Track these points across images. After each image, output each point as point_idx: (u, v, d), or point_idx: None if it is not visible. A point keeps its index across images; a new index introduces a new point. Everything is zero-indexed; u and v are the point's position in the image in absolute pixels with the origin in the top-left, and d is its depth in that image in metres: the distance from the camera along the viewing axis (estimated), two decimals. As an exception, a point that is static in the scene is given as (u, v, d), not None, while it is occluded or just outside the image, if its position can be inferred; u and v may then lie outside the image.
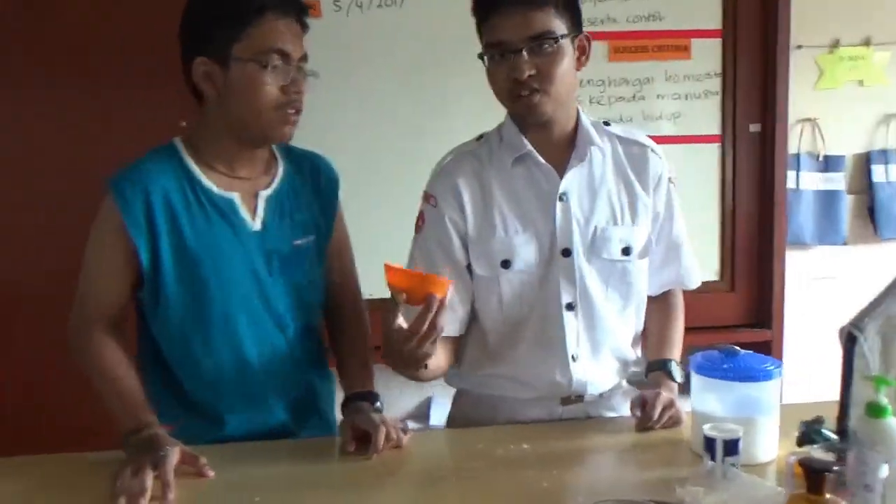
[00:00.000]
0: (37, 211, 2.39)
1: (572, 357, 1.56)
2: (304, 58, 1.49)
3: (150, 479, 1.27)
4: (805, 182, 2.79)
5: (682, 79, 2.60)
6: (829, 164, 2.79)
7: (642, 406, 1.52)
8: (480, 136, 1.61)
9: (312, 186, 1.62)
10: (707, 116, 2.63)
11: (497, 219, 1.53)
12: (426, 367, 1.41)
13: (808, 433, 1.27)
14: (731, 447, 1.27)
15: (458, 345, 1.61)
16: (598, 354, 1.59)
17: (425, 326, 1.28)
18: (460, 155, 1.59)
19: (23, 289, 2.41)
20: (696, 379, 1.42)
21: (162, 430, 1.41)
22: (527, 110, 1.48)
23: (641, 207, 1.58)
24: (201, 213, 1.49)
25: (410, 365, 1.39)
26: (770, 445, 1.37)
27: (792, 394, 2.66)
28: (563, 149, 1.55)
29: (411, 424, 2.46)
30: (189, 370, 1.53)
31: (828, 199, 2.80)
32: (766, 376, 1.37)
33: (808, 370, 2.72)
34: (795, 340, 2.73)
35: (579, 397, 1.60)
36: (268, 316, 1.54)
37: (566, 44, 1.46)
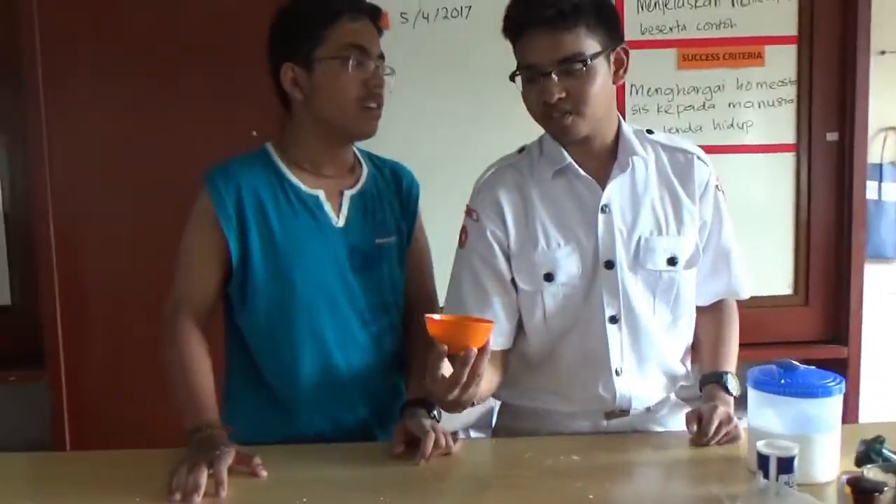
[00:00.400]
0: (122, 212, 2.49)
1: (616, 371, 1.54)
2: (382, 56, 1.56)
3: (204, 477, 1.31)
4: (888, 193, 2.68)
5: (754, 86, 2.53)
6: (914, 174, 2.67)
7: (698, 421, 1.48)
8: (522, 149, 1.60)
9: (395, 191, 1.69)
10: (781, 125, 2.56)
11: (539, 232, 1.53)
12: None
13: (867, 452, 1.22)
14: (786, 465, 1.23)
15: (506, 359, 1.60)
16: (644, 368, 1.56)
17: (464, 378, 1.31)
18: (501, 168, 1.58)
19: (107, 287, 2.52)
20: (752, 394, 1.38)
21: (221, 431, 1.45)
22: (560, 132, 1.48)
23: (687, 216, 1.55)
24: (289, 208, 1.56)
25: (456, 409, 1.41)
26: (829, 464, 1.32)
27: (870, 412, 2.58)
28: (605, 160, 1.53)
29: (474, 434, 2.47)
30: (272, 364, 1.59)
31: (913, 211, 2.68)
32: (826, 393, 1.32)
33: (888, 389, 2.62)
34: (875, 358, 2.62)
35: (624, 411, 1.57)
36: (351, 311, 1.59)
37: (599, 62, 1.44)
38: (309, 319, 1.56)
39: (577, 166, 1.52)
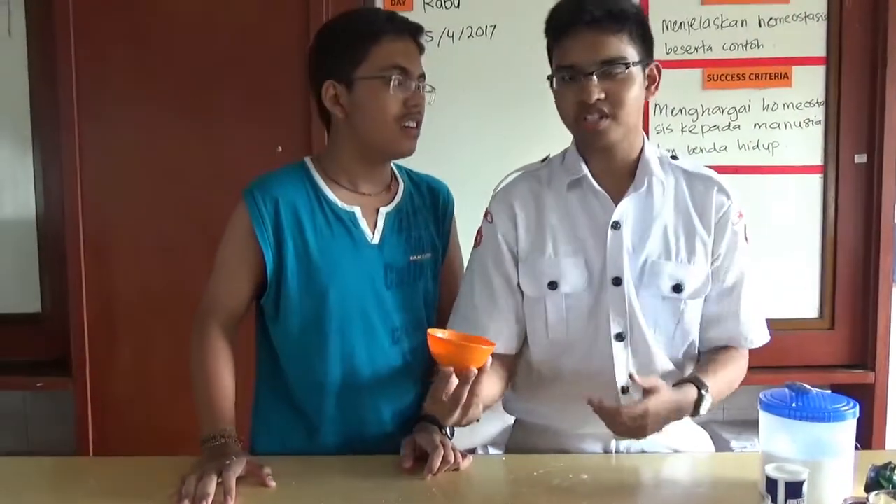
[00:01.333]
0: (151, 224, 2.54)
1: (622, 389, 1.53)
2: (423, 76, 1.59)
3: (213, 485, 1.33)
4: (919, 217, 2.63)
5: (781, 107, 2.50)
6: (945, 198, 2.62)
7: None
8: (546, 158, 1.62)
9: (431, 207, 1.71)
10: (808, 146, 2.52)
11: (548, 240, 1.54)
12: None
13: (877, 478, 1.20)
14: (795, 490, 1.21)
15: (514, 365, 1.60)
16: None
17: (464, 397, 1.31)
18: (522, 175, 1.61)
19: (133, 298, 2.56)
20: (764, 417, 1.36)
21: (234, 441, 1.47)
22: (593, 135, 1.47)
23: (700, 247, 1.52)
24: (325, 224, 1.58)
25: (462, 425, 1.40)
26: (840, 490, 1.29)
27: (897, 439, 2.52)
28: (624, 177, 1.53)
29: (492, 451, 2.46)
30: (301, 377, 1.60)
31: (944, 236, 2.63)
32: (838, 417, 1.30)
33: (916, 416, 2.57)
34: (903, 384, 2.56)
35: None
36: (383, 328, 1.60)
37: (637, 71, 1.46)
38: (340, 335, 1.57)
39: (592, 179, 1.53)
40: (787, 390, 1.35)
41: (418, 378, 1.66)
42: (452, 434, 1.59)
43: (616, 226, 1.51)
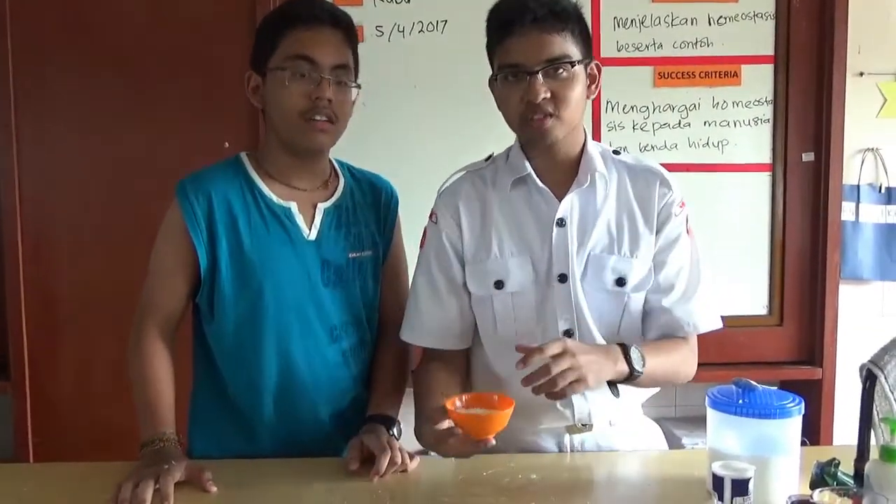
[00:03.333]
0: (91, 222, 2.48)
1: None
2: (343, 67, 1.52)
3: (149, 491, 1.29)
4: (866, 214, 2.68)
5: (730, 105, 2.53)
6: (892, 196, 2.68)
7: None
8: (490, 157, 1.61)
9: (373, 204, 1.66)
10: (757, 144, 2.55)
11: (494, 240, 1.53)
12: None
13: (821, 475, 1.20)
14: (741, 487, 1.20)
15: (465, 362, 1.60)
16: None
17: (472, 453, 1.33)
18: (466, 175, 1.60)
19: (74, 299, 2.50)
20: (711, 413, 1.35)
21: (174, 444, 1.43)
22: (538, 134, 1.47)
23: (643, 241, 1.52)
24: (260, 219, 1.53)
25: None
26: (787, 487, 1.29)
27: (847, 436, 2.54)
28: (566, 174, 1.53)
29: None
30: (237, 378, 1.56)
31: (891, 233, 2.68)
32: (784, 414, 1.29)
33: (862, 411, 2.60)
34: (851, 380, 2.58)
35: (585, 426, 1.55)
36: (321, 327, 1.56)
37: (580, 69, 1.46)
38: (276, 334, 1.53)
39: (535, 177, 1.52)
40: (733, 387, 1.34)
41: (358, 378, 1.63)
42: (400, 434, 1.57)
43: (561, 223, 1.51)
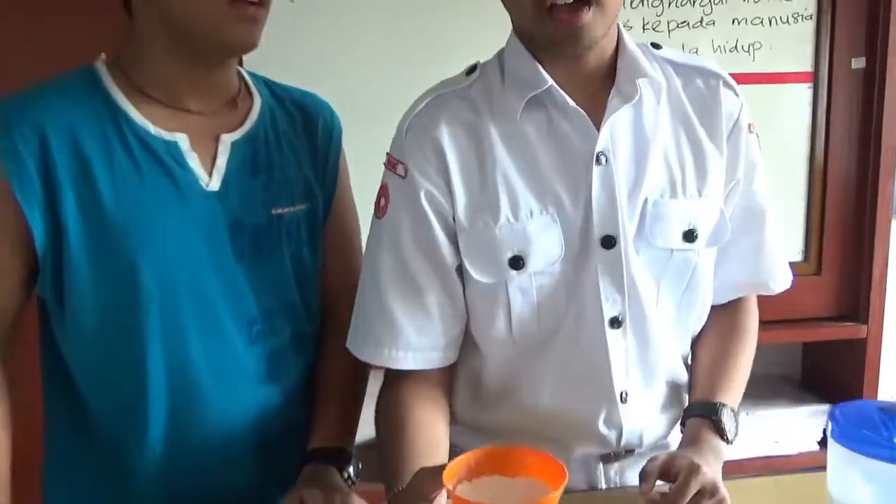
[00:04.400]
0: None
1: (621, 396, 1.16)
2: None
3: None
4: (924, 137, 2.30)
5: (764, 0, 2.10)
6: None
7: (667, 476, 1.03)
8: (473, 68, 1.16)
9: (304, 134, 1.25)
10: (796, 48, 2.13)
11: (502, 195, 1.10)
12: None
13: None
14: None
15: (450, 382, 1.20)
16: (652, 386, 1.20)
17: None
18: (441, 98, 1.14)
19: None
20: (834, 449, 0.93)
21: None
22: (568, 33, 1.04)
23: (712, 169, 1.16)
24: (129, 161, 1.10)
25: None
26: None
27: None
28: (598, 86, 1.12)
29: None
30: (107, 403, 1.14)
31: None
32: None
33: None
34: (900, 338, 2.26)
35: (629, 451, 1.18)
36: (233, 321, 1.15)
37: None
38: (163, 334, 1.11)
39: (562, 92, 1.10)
40: (876, 410, 0.92)
41: (292, 394, 1.19)
42: (358, 475, 1.15)
43: (602, 159, 1.10)
